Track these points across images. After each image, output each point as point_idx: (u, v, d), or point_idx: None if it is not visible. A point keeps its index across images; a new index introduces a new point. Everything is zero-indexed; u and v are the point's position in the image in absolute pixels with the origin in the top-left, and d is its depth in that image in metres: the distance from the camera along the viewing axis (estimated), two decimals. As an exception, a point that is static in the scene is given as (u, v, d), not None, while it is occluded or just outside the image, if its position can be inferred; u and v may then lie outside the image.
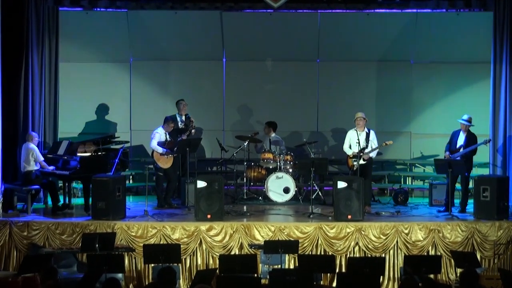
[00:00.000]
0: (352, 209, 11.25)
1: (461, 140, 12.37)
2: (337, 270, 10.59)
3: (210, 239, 11.06)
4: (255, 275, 9.77)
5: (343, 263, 10.97)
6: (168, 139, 12.76)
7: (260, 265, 10.66)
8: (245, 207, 12.63)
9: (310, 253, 10.91)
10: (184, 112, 13.72)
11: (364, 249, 11.04)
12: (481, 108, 13.62)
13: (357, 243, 11.05)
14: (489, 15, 13.24)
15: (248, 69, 15.28)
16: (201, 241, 11.07)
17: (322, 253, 10.94)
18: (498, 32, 12.89)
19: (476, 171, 13.40)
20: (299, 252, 10.45)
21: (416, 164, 15.18)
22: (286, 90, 15.23)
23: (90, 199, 11.64)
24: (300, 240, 10.75)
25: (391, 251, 11.08)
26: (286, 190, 12.96)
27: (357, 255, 10.95)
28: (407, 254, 10.86)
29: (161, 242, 10.94)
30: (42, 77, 13.09)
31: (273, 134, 13.90)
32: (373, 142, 12.34)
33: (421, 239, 11.12)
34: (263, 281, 9.76)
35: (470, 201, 12.22)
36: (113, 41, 14.94)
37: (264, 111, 15.01)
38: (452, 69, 14.84)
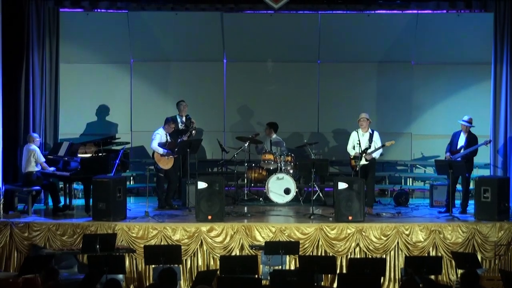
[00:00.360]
0: (353, 210, 11.25)
1: (461, 141, 12.37)
2: (337, 271, 10.58)
3: (210, 240, 11.06)
4: (256, 276, 9.77)
5: (343, 264, 10.97)
6: (169, 140, 12.77)
7: (261, 266, 10.66)
8: (245, 208, 12.63)
9: (311, 254, 10.90)
10: (184, 113, 13.72)
11: (365, 250, 11.04)
12: (482, 109, 13.62)
13: (357, 244, 11.05)
14: (490, 16, 13.25)
15: (249, 70, 15.28)
16: (201, 242, 11.06)
17: (323, 254, 10.93)
18: (498, 33, 12.90)
19: (476, 172, 13.40)
20: (300, 253, 10.45)
21: (417, 165, 15.17)
22: (286, 91, 15.23)
23: (91, 200, 11.64)
24: (300, 241, 10.75)
25: (392, 252, 11.08)
26: (287, 191, 12.96)
27: (358, 256, 10.95)
28: (407, 255, 10.86)
29: (162, 243, 10.93)
30: (43, 78, 13.10)
31: (274, 135, 13.91)
32: (376, 143, 12.28)
33: (422, 240, 11.12)
34: (263, 282, 9.76)
35: (471, 202, 12.21)
36: (114, 42, 14.95)
37: (265, 112, 15.01)
38: (452, 70, 14.84)
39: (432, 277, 9.82)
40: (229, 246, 11.03)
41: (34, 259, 9.65)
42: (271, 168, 13.37)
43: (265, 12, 14.47)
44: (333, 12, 14.60)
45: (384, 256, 10.89)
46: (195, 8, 14.44)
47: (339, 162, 14.77)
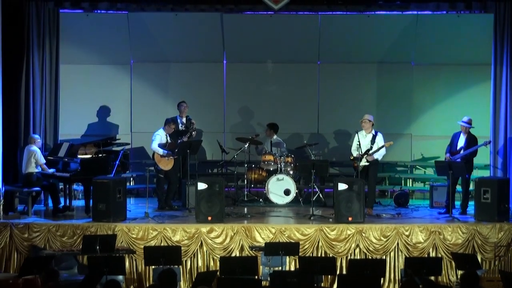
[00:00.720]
0: (352, 211, 11.25)
1: (461, 142, 12.37)
2: (337, 272, 10.58)
3: (210, 241, 11.06)
4: (256, 277, 9.76)
5: (343, 265, 10.97)
6: (169, 141, 12.77)
7: (261, 267, 10.65)
8: (245, 209, 12.64)
9: (311, 255, 10.90)
10: (185, 114, 13.72)
11: (365, 251, 11.04)
12: (482, 110, 13.63)
13: (357, 245, 11.05)
14: (490, 17, 13.25)
15: (249, 71, 15.28)
16: (201, 243, 11.06)
17: (323, 255, 10.93)
18: (498, 34, 12.90)
19: (476, 173, 13.40)
20: (300, 254, 10.45)
21: (417, 166, 15.17)
22: (286, 92, 15.23)
23: (91, 201, 11.64)
24: (300, 242, 10.75)
25: (392, 253, 11.07)
26: (287, 192, 12.96)
27: (358, 257, 10.96)
28: (407, 256, 10.86)
29: (162, 244, 10.93)
30: (43, 79, 13.11)
31: (274, 136, 13.91)
32: (379, 144, 12.24)
33: (422, 241, 11.12)
34: (263, 283, 9.75)
35: (471, 203, 12.21)
36: (114, 43, 14.94)
37: (265, 113, 15.00)
38: (452, 71, 14.84)
39: (432, 278, 9.81)
40: (229, 247, 11.02)
41: (34, 260, 9.65)
42: (271, 169, 13.37)
43: (265, 13, 14.48)
44: (333, 13, 14.61)
45: (384, 257, 10.89)
46: (195, 9, 14.44)
47: (339, 163, 14.77)
